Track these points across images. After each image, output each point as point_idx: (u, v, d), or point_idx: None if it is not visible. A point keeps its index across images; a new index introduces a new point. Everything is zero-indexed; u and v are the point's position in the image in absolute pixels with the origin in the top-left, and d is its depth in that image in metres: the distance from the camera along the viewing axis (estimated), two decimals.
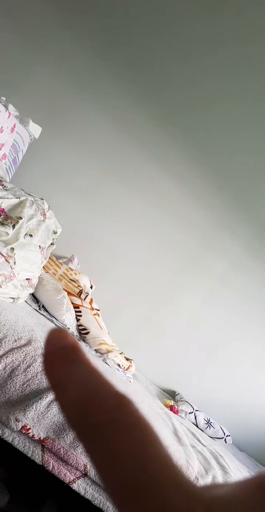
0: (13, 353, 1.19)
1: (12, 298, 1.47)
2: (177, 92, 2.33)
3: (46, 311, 1.84)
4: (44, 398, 1.16)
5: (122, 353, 2.03)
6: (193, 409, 2.26)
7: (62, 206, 2.32)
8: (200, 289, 2.62)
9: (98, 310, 2.07)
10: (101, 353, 1.88)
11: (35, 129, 2.08)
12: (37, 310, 1.75)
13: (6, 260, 1.40)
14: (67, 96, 2.30)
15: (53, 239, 1.82)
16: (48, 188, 2.37)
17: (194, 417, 2.22)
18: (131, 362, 2.05)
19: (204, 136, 2.40)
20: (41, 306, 1.83)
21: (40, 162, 2.37)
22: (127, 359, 2.04)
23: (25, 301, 1.67)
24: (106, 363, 1.83)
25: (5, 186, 1.54)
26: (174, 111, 2.36)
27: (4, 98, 1.85)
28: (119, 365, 1.94)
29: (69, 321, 1.81)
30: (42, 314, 1.75)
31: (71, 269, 2.05)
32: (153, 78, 2.32)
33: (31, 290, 1.67)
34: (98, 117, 2.36)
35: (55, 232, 1.83)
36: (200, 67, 2.26)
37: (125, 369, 1.96)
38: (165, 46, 2.25)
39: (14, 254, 1.43)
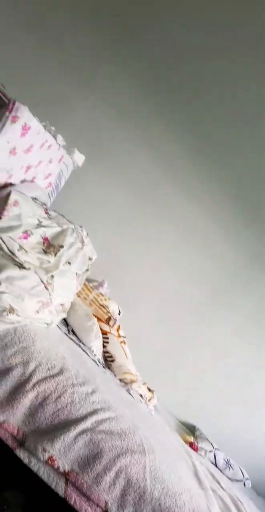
0: (45, 382, 1.21)
1: (46, 323, 1.51)
2: (211, 127, 2.36)
3: (75, 335, 1.87)
4: (72, 430, 1.18)
5: (145, 383, 2.03)
6: (213, 447, 2.22)
7: (96, 231, 2.36)
8: (227, 323, 2.59)
9: (125, 337, 2.09)
10: (125, 383, 1.88)
11: (79, 158, 2.14)
12: (66, 334, 1.78)
13: (46, 287, 1.44)
14: (108, 128, 2.38)
15: (88, 265, 1.86)
16: (84, 213, 2.42)
17: (213, 456, 2.19)
18: (153, 393, 2.04)
19: (240, 172, 2.41)
20: (70, 329, 1.86)
21: (79, 188, 2.43)
22: (150, 390, 2.04)
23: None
24: (129, 393, 1.84)
25: (49, 215, 1.59)
26: (208, 146, 2.39)
27: (53, 128, 1.92)
28: (141, 396, 1.94)
29: (96, 348, 1.83)
30: (71, 338, 1.78)
31: (102, 294, 2.08)
32: (190, 117, 2.37)
33: (64, 315, 1.71)
34: (135, 149, 2.42)
35: (90, 259, 1.87)
36: (244, 107, 2.28)
37: (147, 400, 1.96)
38: (202, 86, 2.29)
39: (53, 281, 1.47)
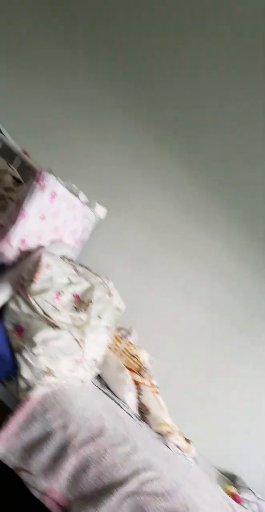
0: (87, 445, 1.21)
1: (81, 380, 1.51)
2: (229, 165, 2.42)
3: (109, 388, 1.86)
4: (116, 494, 1.16)
5: (181, 433, 1.98)
6: (256, 497, 2.12)
7: (120, 278, 2.39)
8: (260, 361, 2.54)
9: (158, 387, 2.06)
10: (162, 435, 1.85)
11: (101, 211, 2.21)
12: (100, 388, 1.77)
13: (79, 345, 1.46)
14: (128, 178, 2.47)
15: (117, 316, 1.88)
16: (108, 261, 2.47)
17: (256, 506, 2.09)
18: (190, 444, 1.99)
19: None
20: (103, 383, 1.86)
21: (102, 237, 2.48)
22: (187, 440, 1.99)
23: None
24: (167, 446, 1.80)
25: (78, 271, 1.63)
26: (230, 188, 2.44)
27: (75, 186, 1.99)
28: (179, 447, 1.90)
29: (130, 400, 1.82)
30: (105, 393, 1.77)
31: (131, 344, 2.08)
32: (208, 156, 2.43)
33: (98, 371, 1.71)
34: (157, 194, 2.49)
35: (118, 309, 1.89)
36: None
37: (185, 451, 1.91)
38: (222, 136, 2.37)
39: (86, 337, 1.49)
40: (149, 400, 1.91)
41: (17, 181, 1.67)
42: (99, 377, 1.89)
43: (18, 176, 1.56)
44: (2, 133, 1.51)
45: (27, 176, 1.98)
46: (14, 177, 1.65)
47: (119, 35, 2.48)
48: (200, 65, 2.41)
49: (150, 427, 1.86)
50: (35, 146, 2.16)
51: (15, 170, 1.71)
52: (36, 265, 1.41)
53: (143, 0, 2.41)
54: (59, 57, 2.50)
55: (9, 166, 1.71)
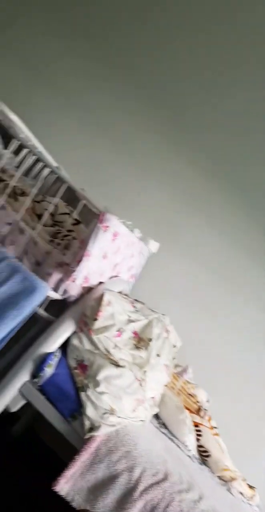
0: (152, 490, 1.18)
1: (141, 420, 1.49)
2: None
3: (166, 428, 1.82)
4: None
5: (244, 479, 1.88)
6: None
7: (173, 314, 2.37)
8: None
9: (217, 428, 1.99)
10: (224, 481, 1.76)
11: (154, 246, 2.23)
12: (158, 428, 1.74)
13: (140, 384, 1.45)
14: (177, 214, 2.50)
15: (174, 354, 1.85)
16: (158, 296, 2.47)
17: None
18: (254, 491, 1.88)
19: None
20: (161, 423, 1.82)
21: (153, 272, 2.50)
22: (250, 487, 1.88)
23: None
24: (230, 492, 1.71)
25: (136, 308, 1.64)
26: None
27: (130, 223, 2.04)
28: (242, 494, 1.80)
29: (190, 442, 1.76)
30: (163, 433, 1.73)
31: (188, 382, 2.03)
32: (259, 198, 2.42)
33: (157, 410, 1.68)
34: (207, 231, 2.49)
35: (175, 346, 1.87)
36: None
37: (249, 498, 1.80)
38: None
39: (146, 376, 1.48)
40: (209, 442, 1.84)
41: (77, 222, 1.73)
42: (155, 416, 1.85)
43: (76, 217, 1.62)
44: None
45: (86, 215, 2.07)
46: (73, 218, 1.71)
47: (166, 85, 2.58)
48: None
49: (212, 471, 1.78)
50: (85, 185, 2.25)
51: (74, 211, 1.77)
52: (99, 303, 1.44)
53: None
54: (112, 104, 2.63)
55: (68, 207, 1.78)
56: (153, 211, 2.56)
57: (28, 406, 1.42)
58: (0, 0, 2.80)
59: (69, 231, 1.60)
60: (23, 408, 1.43)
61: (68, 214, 1.73)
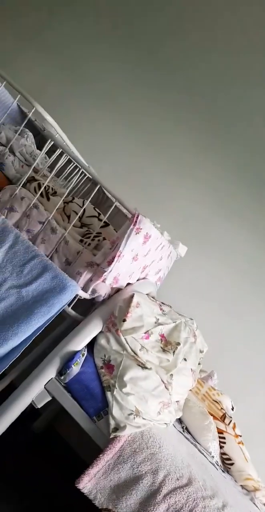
0: (176, 494, 1.18)
1: (166, 423, 1.49)
2: None
3: (189, 433, 1.80)
4: None
5: None
6: None
7: (199, 318, 2.35)
8: None
9: (241, 436, 1.95)
10: (247, 490, 1.73)
11: (182, 249, 2.22)
12: (181, 432, 1.72)
13: (166, 387, 1.44)
14: (207, 218, 2.48)
15: (200, 359, 1.84)
16: (185, 299, 2.45)
17: None
18: None
19: None
20: (184, 427, 1.81)
21: (180, 275, 2.48)
22: None
23: None
24: (254, 503, 1.68)
25: (163, 311, 1.64)
26: None
27: (159, 225, 2.03)
28: None
29: (214, 449, 1.74)
30: (186, 438, 1.72)
31: (213, 389, 2.01)
32: None
33: (180, 414, 1.67)
34: (238, 236, 2.46)
35: (201, 351, 1.85)
36: None
37: None
38: None
39: (173, 380, 1.47)
40: (233, 450, 1.81)
41: (105, 224, 1.74)
42: (178, 420, 1.84)
43: (105, 219, 1.63)
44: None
45: (114, 216, 2.08)
46: (100, 220, 1.73)
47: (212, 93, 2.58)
48: None
49: (235, 479, 1.76)
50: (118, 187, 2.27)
51: (101, 214, 1.79)
52: (128, 304, 1.44)
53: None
54: (146, 108, 2.65)
55: (96, 210, 1.79)
56: (182, 216, 2.55)
57: (49, 403, 1.44)
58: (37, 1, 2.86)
59: (98, 232, 1.62)
60: (45, 404, 1.45)
61: (96, 217, 1.74)
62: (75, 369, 1.35)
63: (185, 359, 1.60)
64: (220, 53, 2.58)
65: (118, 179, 2.56)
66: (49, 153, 1.68)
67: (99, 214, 1.76)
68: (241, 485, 1.75)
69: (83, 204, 1.63)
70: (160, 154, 2.63)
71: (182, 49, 2.65)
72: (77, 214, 1.59)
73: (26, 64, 2.83)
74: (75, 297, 1.42)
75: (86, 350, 1.45)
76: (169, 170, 2.61)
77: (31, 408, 1.45)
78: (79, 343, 1.40)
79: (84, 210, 1.65)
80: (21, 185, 1.51)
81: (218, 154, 2.56)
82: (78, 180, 2.01)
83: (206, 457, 1.67)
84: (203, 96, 2.59)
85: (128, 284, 1.62)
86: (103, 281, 1.38)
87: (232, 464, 1.79)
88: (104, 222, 1.64)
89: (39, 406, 1.37)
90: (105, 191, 1.65)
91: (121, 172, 2.61)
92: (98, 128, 2.70)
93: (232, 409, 2.01)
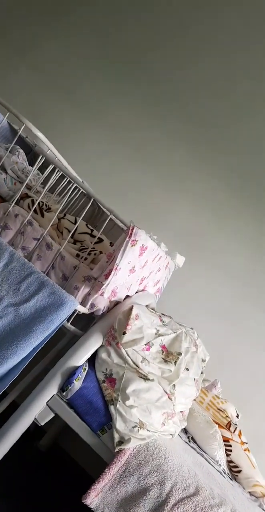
0: (183, 504, 1.17)
1: (171, 434, 1.48)
2: None
3: (195, 442, 1.79)
4: None
5: None
6: None
7: (200, 328, 2.36)
8: None
9: (247, 443, 1.94)
10: (256, 497, 1.72)
11: (180, 260, 2.23)
12: (187, 443, 1.71)
13: (169, 398, 1.44)
14: (204, 228, 2.50)
15: (202, 368, 1.83)
16: (185, 309, 2.46)
17: None
18: None
19: None
20: (190, 437, 1.80)
21: (179, 286, 2.49)
22: None
23: None
24: (262, 509, 1.67)
25: (163, 322, 1.64)
26: None
27: (156, 237, 2.04)
28: None
29: (220, 457, 1.73)
30: (192, 447, 1.71)
31: (218, 397, 2.00)
32: None
33: (185, 424, 1.66)
34: (234, 245, 2.48)
35: (203, 360, 1.85)
36: None
37: None
38: None
39: (175, 390, 1.47)
40: (240, 458, 1.80)
41: (99, 240, 1.74)
42: (184, 430, 1.83)
43: (99, 235, 1.63)
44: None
45: (110, 229, 2.09)
46: (93, 236, 1.72)
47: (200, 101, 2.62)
48: None
49: (243, 487, 1.74)
50: (112, 200, 2.28)
51: (94, 230, 1.79)
52: (127, 316, 1.44)
53: None
54: (137, 121, 2.68)
55: (88, 227, 1.79)
56: (179, 227, 2.57)
57: (53, 420, 1.43)
58: (26, 21, 2.90)
59: (93, 248, 1.62)
60: (49, 422, 1.44)
61: (89, 234, 1.74)
62: (77, 384, 1.35)
63: (187, 369, 1.59)
64: (206, 63, 2.62)
65: (113, 195, 2.58)
66: (42, 169, 1.69)
67: (92, 230, 1.76)
68: (249, 492, 1.74)
69: (76, 221, 1.64)
70: (155, 168, 2.65)
71: (168, 60, 2.69)
72: (69, 231, 1.59)
73: (17, 83, 2.86)
74: (74, 312, 1.42)
75: (87, 365, 1.44)
76: (163, 183, 2.63)
77: (35, 426, 1.44)
78: (79, 358, 1.40)
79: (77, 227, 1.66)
80: (14, 202, 1.52)
81: (212, 164, 2.59)
82: (72, 195, 2.02)
83: (213, 466, 1.66)
84: (195, 108, 2.62)
85: (127, 296, 1.63)
86: (101, 294, 1.38)
87: (239, 471, 1.78)
88: (98, 238, 1.64)
89: (42, 424, 1.36)
90: (99, 204, 1.66)
91: (117, 188, 2.63)
92: (90, 145, 2.73)
93: (237, 416, 2.00)
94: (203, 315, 2.45)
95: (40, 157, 1.48)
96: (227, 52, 2.56)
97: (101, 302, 1.46)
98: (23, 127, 1.48)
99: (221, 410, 1.91)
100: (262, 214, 2.46)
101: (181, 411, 1.63)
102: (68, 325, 1.48)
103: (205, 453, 1.74)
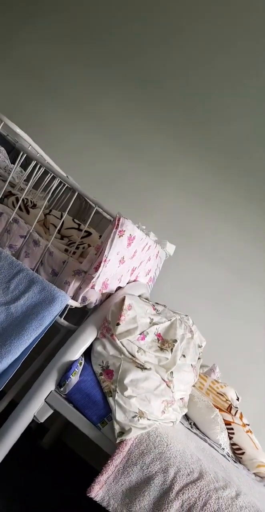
0: (188, 489, 1.16)
1: (172, 421, 1.48)
2: None
3: (198, 428, 1.79)
4: None
5: None
6: None
7: (195, 314, 2.35)
8: None
9: (249, 425, 1.95)
10: (261, 477, 1.73)
11: (170, 248, 2.22)
12: (189, 429, 1.71)
13: (167, 385, 1.43)
14: (193, 214, 2.49)
15: (199, 353, 1.83)
16: (179, 297, 2.45)
17: None
18: None
19: None
20: (192, 423, 1.80)
21: (171, 274, 2.48)
22: None
23: None
24: None
25: (157, 310, 1.63)
26: None
27: (144, 227, 2.03)
28: None
29: (223, 441, 1.73)
30: (195, 433, 1.71)
31: (217, 381, 2.00)
32: None
33: (186, 410, 1.66)
34: (224, 228, 2.48)
35: (200, 346, 1.85)
36: None
37: None
38: None
39: (173, 377, 1.46)
40: (242, 440, 1.81)
41: (87, 233, 1.72)
42: (185, 416, 1.83)
43: (86, 228, 1.61)
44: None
45: (98, 221, 2.08)
46: (80, 230, 1.70)
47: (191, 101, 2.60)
48: None
49: (247, 468, 1.75)
50: (100, 192, 2.26)
51: (82, 224, 1.77)
52: (120, 307, 1.43)
53: None
54: (128, 112, 2.65)
55: (75, 222, 1.78)
56: (168, 214, 2.56)
57: (54, 416, 1.42)
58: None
59: (81, 241, 1.61)
60: (51, 419, 1.43)
61: (76, 228, 1.73)
62: (73, 379, 1.34)
63: (183, 356, 1.59)
64: (199, 61, 2.61)
65: (101, 187, 2.57)
66: (26, 166, 1.67)
67: (79, 225, 1.75)
68: (254, 473, 1.74)
69: (61, 216, 1.62)
70: (141, 155, 2.63)
71: (159, 56, 2.67)
72: (55, 226, 1.57)
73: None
74: (66, 307, 1.40)
75: (83, 358, 1.43)
76: (151, 170, 2.61)
77: (37, 425, 1.43)
78: (75, 352, 1.39)
79: (63, 222, 1.64)
80: None
81: (202, 148, 2.57)
82: (57, 190, 2.00)
83: (217, 450, 1.66)
84: (180, 91, 2.60)
85: (119, 288, 1.61)
86: (92, 287, 1.37)
87: (243, 453, 1.78)
88: (86, 231, 1.62)
89: (42, 421, 1.35)
90: (85, 197, 1.64)
91: (104, 179, 2.61)
92: (73, 137, 2.70)
93: (237, 399, 2.00)
94: (198, 301, 2.45)
95: (21, 153, 1.46)
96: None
97: (93, 295, 1.44)
98: (1, 124, 1.45)
99: (221, 394, 1.91)
100: (250, 195, 2.45)
101: (181, 398, 1.63)
102: (62, 320, 1.47)
103: (208, 438, 1.74)
